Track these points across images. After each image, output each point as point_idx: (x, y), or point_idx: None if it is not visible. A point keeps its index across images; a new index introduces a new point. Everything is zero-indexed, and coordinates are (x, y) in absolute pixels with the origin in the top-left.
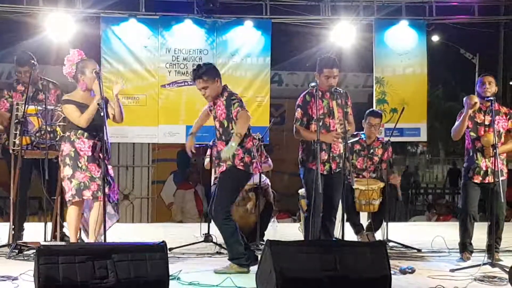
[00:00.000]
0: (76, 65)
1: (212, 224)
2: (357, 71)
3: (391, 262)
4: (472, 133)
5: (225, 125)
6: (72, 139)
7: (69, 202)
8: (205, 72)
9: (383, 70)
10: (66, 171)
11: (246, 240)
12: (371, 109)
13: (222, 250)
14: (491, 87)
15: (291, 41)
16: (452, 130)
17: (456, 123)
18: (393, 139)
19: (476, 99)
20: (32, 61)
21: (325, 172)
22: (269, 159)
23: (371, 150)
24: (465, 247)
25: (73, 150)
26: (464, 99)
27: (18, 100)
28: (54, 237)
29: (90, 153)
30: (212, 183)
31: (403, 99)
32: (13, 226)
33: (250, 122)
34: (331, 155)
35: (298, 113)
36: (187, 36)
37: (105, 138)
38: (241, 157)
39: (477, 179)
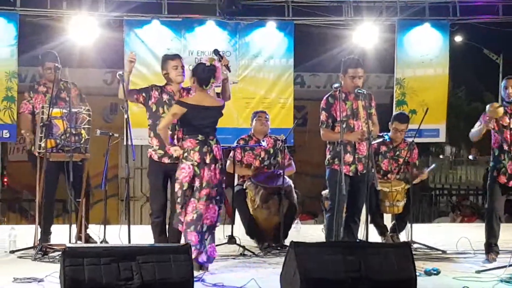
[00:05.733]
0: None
1: (236, 226)
2: (379, 72)
3: (416, 263)
4: (497, 135)
5: None
6: None
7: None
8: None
9: (404, 71)
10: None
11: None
12: (398, 112)
13: (246, 252)
14: None
15: (313, 43)
16: (470, 133)
17: (476, 127)
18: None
19: (497, 106)
20: (56, 64)
21: (351, 174)
22: (293, 161)
23: (397, 152)
24: (490, 248)
25: None
26: (487, 107)
27: (41, 101)
28: (79, 238)
29: None
30: (235, 184)
31: (422, 100)
32: (39, 229)
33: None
34: (356, 156)
35: (323, 115)
36: (210, 38)
37: (130, 141)
38: None
39: (502, 180)
